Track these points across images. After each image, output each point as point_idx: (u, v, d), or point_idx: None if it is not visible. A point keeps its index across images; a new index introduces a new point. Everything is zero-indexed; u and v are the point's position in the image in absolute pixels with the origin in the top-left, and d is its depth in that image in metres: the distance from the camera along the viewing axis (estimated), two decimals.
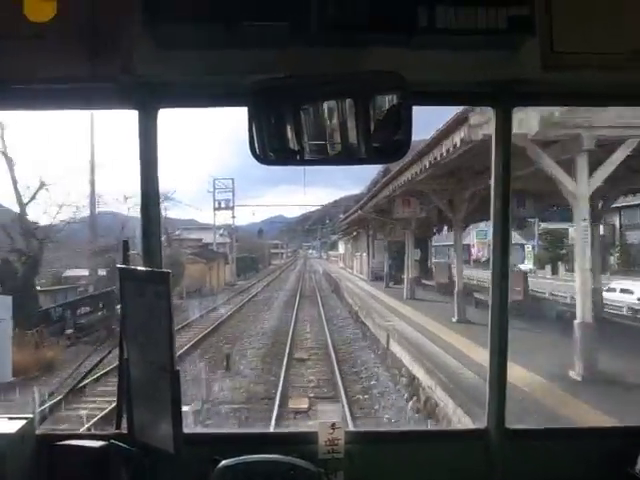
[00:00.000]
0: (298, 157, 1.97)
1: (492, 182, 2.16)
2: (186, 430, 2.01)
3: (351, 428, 2.20)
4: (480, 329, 10.58)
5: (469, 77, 1.97)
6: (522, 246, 38.89)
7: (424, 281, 25.20)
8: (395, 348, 13.40)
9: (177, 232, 35.92)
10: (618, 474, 2.03)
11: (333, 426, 2.09)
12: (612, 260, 33.78)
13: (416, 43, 1.83)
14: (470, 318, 14.79)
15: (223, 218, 47.09)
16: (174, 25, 1.76)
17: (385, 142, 1.97)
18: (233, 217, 47.12)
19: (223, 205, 47.56)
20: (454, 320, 15.16)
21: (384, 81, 1.84)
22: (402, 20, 1.78)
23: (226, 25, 1.74)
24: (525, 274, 18.72)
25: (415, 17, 1.77)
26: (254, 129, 1.88)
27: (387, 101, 2.01)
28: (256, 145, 1.89)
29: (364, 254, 36.67)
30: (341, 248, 61.91)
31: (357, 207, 28.29)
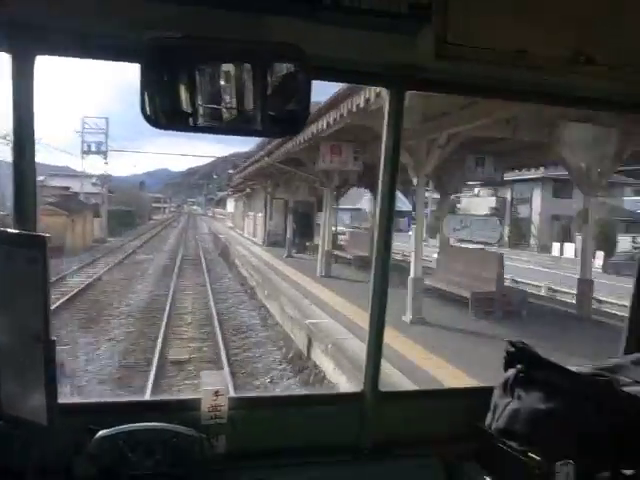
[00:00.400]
0: (191, 121, 1.91)
1: (382, 158, 2.25)
2: (61, 400, 1.93)
3: (234, 394, 2.24)
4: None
5: (368, 57, 2.01)
6: (410, 214, 40.61)
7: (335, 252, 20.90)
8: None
9: (41, 178, 32.43)
10: (473, 428, 2.29)
11: (216, 393, 2.12)
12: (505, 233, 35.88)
13: (320, 18, 1.82)
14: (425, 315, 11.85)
15: (102, 167, 43.61)
16: None
17: (281, 112, 1.97)
18: (105, 163, 43.52)
19: (94, 149, 43.69)
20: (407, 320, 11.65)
21: (283, 52, 1.83)
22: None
23: None
24: (501, 257, 14.06)
25: None
26: (146, 89, 1.78)
27: (286, 71, 2.00)
28: (147, 106, 1.80)
29: (259, 214, 32.87)
30: (230, 206, 59.25)
31: (261, 155, 21.32)
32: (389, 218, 2.31)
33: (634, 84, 2.29)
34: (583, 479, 1.97)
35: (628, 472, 2.01)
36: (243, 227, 42.89)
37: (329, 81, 2.15)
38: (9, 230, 1.84)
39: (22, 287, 1.80)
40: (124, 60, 1.94)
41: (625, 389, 2.04)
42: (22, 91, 1.86)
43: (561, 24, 2.09)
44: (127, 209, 51.49)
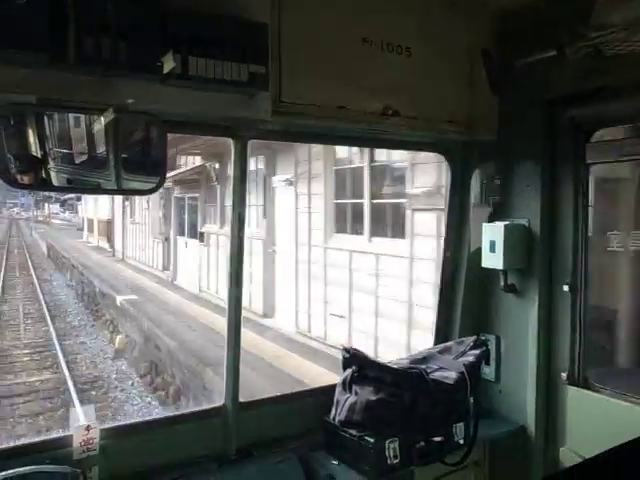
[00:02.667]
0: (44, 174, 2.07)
1: (232, 193, 2.55)
2: None
3: (106, 425, 2.36)
4: None
5: (215, 113, 2.28)
6: None
7: None
8: None
9: None
10: (320, 422, 2.71)
11: (88, 428, 2.24)
12: None
13: (173, 83, 2.04)
14: None
15: None
16: None
17: (138, 168, 2.19)
18: None
19: None
20: None
21: (135, 118, 2.07)
22: (154, 65, 1.97)
23: None
24: None
25: (169, 63, 1.98)
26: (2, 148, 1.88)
27: (140, 132, 2.23)
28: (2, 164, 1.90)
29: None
30: (88, 209, 37.60)
31: None
32: (239, 241, 2.59)
33: (428, 130, 2.89)
34: (406, 450, 2.50)
35: (437, 439, 2.60)
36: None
37: (184, 134, 2.39)
38: None
39: None
40: None
41: (432, 375, 2.61)
42: None
43: (373, 86, 2.59)
44: None
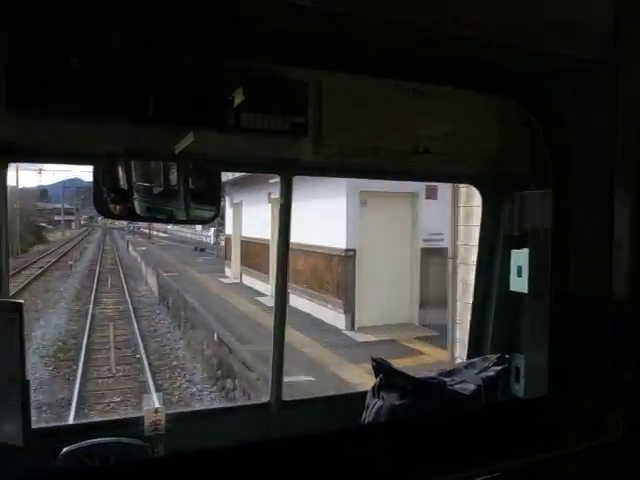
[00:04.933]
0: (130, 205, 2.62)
1: (278, 224, 3.00)
2: (33, 425, 2.48)
3: (170, 410, 2.87)
4: None
5: (264, 154, 2.75)
6: None
7: None
8: None
9: None
10: (355, 424, 3.06)
11: (156, 411, 2.75)
12: None
13: (228, 131, 2.53)
14: None
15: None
16: (37, 101, 2.19)
17: (200, 202, 2.69)
18: None
19: None
20: None
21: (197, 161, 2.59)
22: (215, 119, 2.46)
23: (85, 114, 2.22)
24: None
25: (225, 118, 2.47)
26: (99, 185, 2.44)
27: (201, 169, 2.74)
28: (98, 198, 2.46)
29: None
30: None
31: None
32: (285, 256, 3.02)
33: (459, 164, 3.19)
34: None
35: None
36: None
37: (238, 172, 2.89)
38: None
39: (3, 340, 2.35)
40: (78, 164, 2.56)
41: (452, 387, 2.89)
42: None
43: (404, 127, 2.94)
44: None
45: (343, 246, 13.79)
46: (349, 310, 13.88)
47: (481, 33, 1.51)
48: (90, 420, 2.62)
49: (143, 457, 2.66)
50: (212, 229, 37.70)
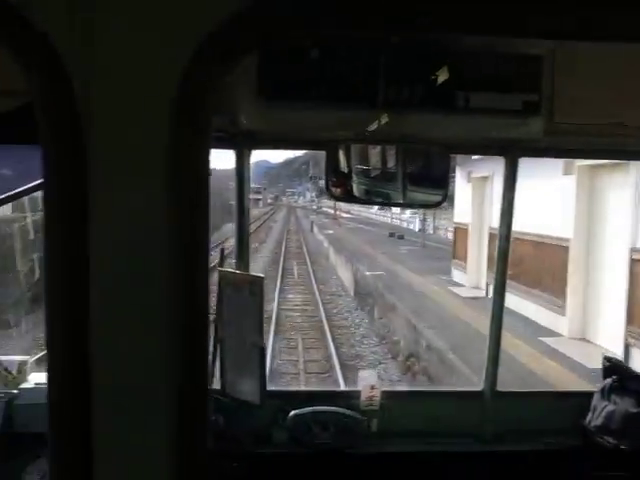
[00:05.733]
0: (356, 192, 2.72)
1: (500, 213, 2.85)
2: (267, 388, 2.76)
3: (385, 388, 2.97)
4: None
5: (490, 135, 2.62)
6: None
7: None
8: None
9: None
10: (575, 425, 2.84)
11: (372, 387, 2.86)
12: None
13: (454, 113, 2.46)
14: None
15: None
16: (283, 91, 2.37)
17: (424, 186, 2.68)
18: None
19: None
20: None
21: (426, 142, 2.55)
22: (444, 101, 2.40)
23: (322, 102, 2.34)
24: None
25: (454, 99, 2.40)
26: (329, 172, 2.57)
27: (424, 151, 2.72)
28: (330, 183, 2.59)
29: None
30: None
31: None
32: (506, 246, 2.88)
33: None
34: None
35: None
36: None
37: (462, 154, 2.82)
38: (238, 272, 2.69)
39: (245, 311, 2.64)
40: (314, 149, 2.72)
41: None
42: (241, 177, 2.69)
43: None
44: None
45: (563, 234, 11.31)
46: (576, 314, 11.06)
47: None
48: (313, 389, 2.87)
49: (359, 428, 2.79)
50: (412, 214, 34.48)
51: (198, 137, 0.79)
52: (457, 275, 17.41)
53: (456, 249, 18.01)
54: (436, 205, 2.58)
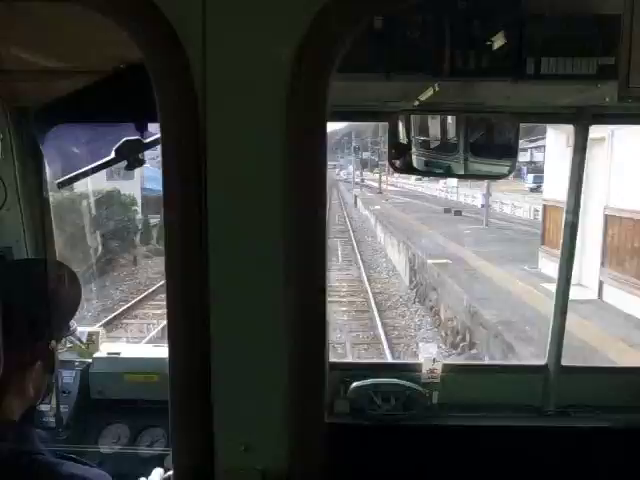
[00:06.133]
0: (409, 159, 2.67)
1: (568, 181, 2.75)
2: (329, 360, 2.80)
3: (447, 361, 2.97)
4: None
5: (560, 102, 2.52)
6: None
7: None
8: None
9: None
10: None
11: (434, 361, 2.86)
12: None
13: (522, 81, 2.37)
14: None
15: None
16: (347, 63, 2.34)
17: (487, 154, 2.61)
18: None
19: None
20: None
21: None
22: (513, 68, 2.31)
23: (386, 73, 2.30)
24: None
25: (524, 66, 2.30)
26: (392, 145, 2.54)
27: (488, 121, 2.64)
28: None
29: None
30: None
31: None
32: (574, 217, 2.79)
33: None
34: None
35: None
36: None
37: (531, 123, 2.72)
38: None
39: None
40: (373, 120, 2.69)
41: None
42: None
43: None
44: None
45: None
46: None
47: None
48: (373, 361, 2.93)
49: (420, 401, 2.81)
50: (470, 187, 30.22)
51: (314, 113, 0.79)
52: (546, 266, 13.49)
53: (546, 234, 14.26)
54: (502, 176, 2.51)
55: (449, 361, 2.97)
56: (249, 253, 0.81)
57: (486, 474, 2.72)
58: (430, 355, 2.85)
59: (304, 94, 0.78)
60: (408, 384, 2.81)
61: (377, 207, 31.76)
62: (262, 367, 0.84)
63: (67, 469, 1.43)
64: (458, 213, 27.18)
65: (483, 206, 24.81)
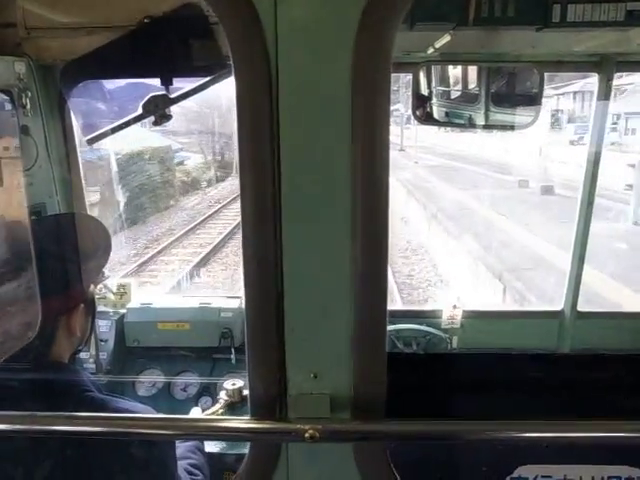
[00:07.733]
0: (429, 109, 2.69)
1: (590, 129, 2.76)
2: None
3: (467, 308, 3.07)
4: None
5: (586, 51, 2.50)
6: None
7: None
8: None
9: None
10: None
11: (454, 306, 2.97)
12: None
13: (548, 29, 2.35)
14: None
15: None
16: None
17: (510, 103, 2.62)
18: None
19: None
20: None
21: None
22: (539, 16, 2.29)
23: (410, 22, 2.29)
24: None
25: (550, 13, 2.28)
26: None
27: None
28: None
29: None
30: None
31: None
32: (597, 159, 2.80)
33: None
34: None
35: None
36: None
37: (554, 72, 2.70)
38: None
39: None
40: (401, 72, 2.69)
41: None
42: None
43: None
44: None
45: None
46: None
47: None
48: (394, 308, 3.06)
49: (441, 345, 2.94)
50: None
51: (380, 62, 0.83)
52: None
53: None
54: (526, 127, 2.52)
55: (471, 308, 3.05)
56: (320, 205, 0.88)
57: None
58: (450, 301, 2.96)
59: (370, 44, 0.83)
60: (429, 329, 2.93)
61: (406, 174, 20.83)
62: (330, 304, 0.93)
63: (116, 404, 1.57)
64: (548, 190, 16.91)
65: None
